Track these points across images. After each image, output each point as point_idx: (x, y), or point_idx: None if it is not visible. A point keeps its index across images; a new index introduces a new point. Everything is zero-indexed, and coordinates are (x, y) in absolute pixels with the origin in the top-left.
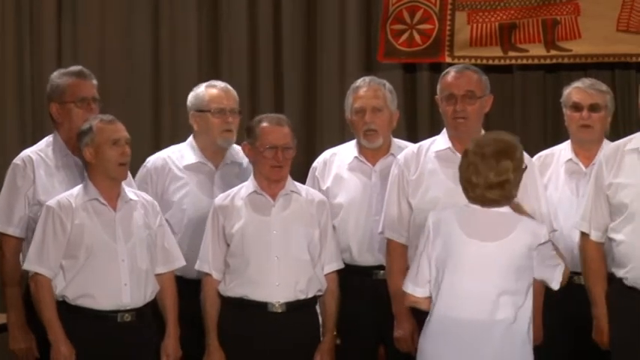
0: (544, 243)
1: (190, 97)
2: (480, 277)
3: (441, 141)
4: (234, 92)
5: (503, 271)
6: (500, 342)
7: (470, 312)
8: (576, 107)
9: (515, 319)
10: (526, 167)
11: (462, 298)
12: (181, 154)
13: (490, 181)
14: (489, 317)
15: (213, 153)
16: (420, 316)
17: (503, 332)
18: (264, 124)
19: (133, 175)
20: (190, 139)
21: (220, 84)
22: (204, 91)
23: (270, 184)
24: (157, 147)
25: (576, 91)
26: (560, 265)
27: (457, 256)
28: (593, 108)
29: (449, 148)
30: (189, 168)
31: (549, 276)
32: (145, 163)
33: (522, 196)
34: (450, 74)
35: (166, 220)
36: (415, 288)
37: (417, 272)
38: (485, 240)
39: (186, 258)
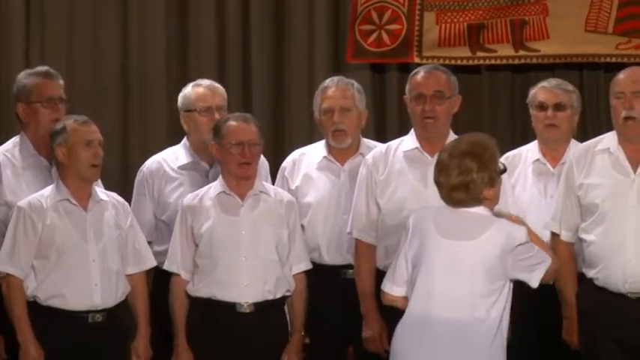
0: (522, 244)
1: (179, 97)
2: (450, 277)
3: (409, 141)
4: (221, 89)
5: (474, 270)
6: (471, 341)
7: (441, 311)
8: (541, 107)
9: (486, 318)
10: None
11: (434, 297)
12: (176, 156)
13: (453, 182)
14: (460, 316)
15: (206, 152)
16: (388, 316)
17: (475, 331)
18: (231, 122)
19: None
20: (184, 139)
21: (206, 82)
22: (191, 90)
23: (239, 184)
24: (125, 146)
25: (542, 90)
26: (543, 264)
27: (430, 254)
28: (558, 107)
29: (417, 148)
30: (183, 168)
31: (526, 276)
32: (141, 168)
33: None
34: (419, 74)
35: (163, 222)
36: (392, 287)
37: (395, 271)
38: (457, 239)
39: None
